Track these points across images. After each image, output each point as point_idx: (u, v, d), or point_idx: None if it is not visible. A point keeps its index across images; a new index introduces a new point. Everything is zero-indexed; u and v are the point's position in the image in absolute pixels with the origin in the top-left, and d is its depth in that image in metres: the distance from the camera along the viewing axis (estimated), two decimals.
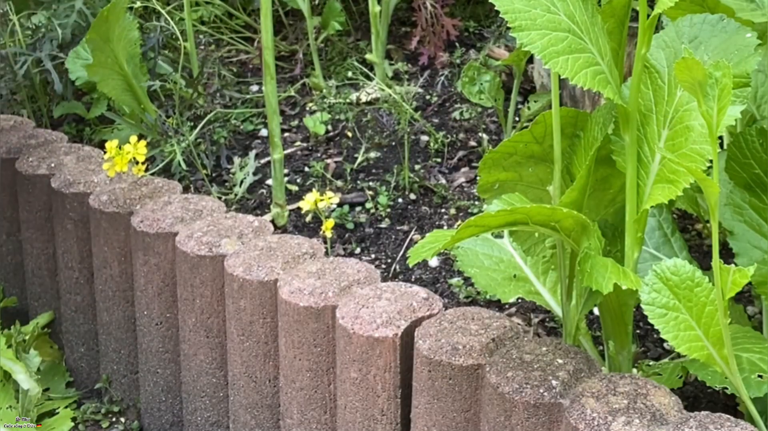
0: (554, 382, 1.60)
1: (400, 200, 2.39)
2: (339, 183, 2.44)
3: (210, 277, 1.98)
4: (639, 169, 1.64)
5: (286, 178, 2.41)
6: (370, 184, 2.43)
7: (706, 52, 1.62)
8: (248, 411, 1.99)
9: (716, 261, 1.47)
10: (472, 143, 2.56)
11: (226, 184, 2.46)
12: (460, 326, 1.73)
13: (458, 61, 2.80)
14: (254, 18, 2.96)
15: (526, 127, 1.76)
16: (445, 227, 2.31)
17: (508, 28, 1.53)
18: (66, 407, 2.25)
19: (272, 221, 2.31)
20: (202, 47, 2.92)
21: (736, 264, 1.60)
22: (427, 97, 2.71)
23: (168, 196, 2.16)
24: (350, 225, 2.32)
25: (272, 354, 1.94)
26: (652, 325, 1.56)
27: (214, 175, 2.49)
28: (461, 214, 2.34)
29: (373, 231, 2.32)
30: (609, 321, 1.72)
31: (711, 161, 1.54)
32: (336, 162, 2.52)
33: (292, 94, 2.76)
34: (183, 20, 2.69)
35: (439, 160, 2.50)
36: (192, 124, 2.51)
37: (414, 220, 2.33)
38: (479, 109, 2.64)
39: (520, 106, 2.57)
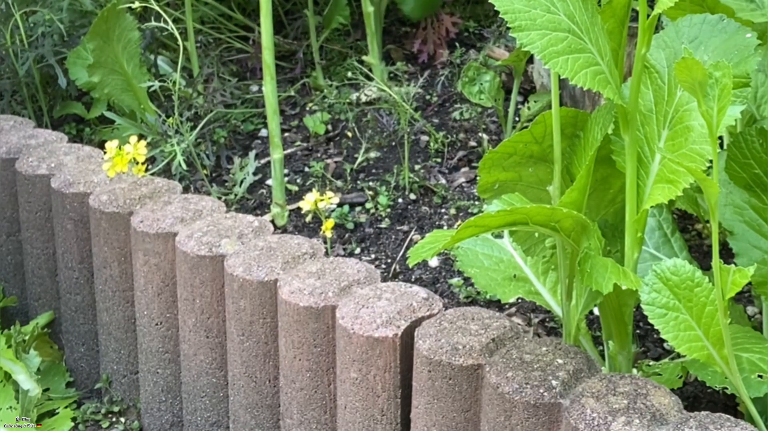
0: (554, 382, 1.60)
1: (400, 200, 2.39)
2: (339, 183, 2.44)
3: (210, 277, 1.98)
4: (639, 169, 1.64)
5: (286, 178, 2.41)
6: (370, 184, 2.43)
7: (706, 52, 1.62)
8: (248, 411, 1.99)
9: (716, 261, 1.47)
10: (472, 143, 2.56)
11: (226, 184, 2.46)
12: (460, 326, 1.73)
13: (458, 61, 2.80)
14: (253, 18, 2.95)
15: (526, 127, 1.76)
16: (445, 227, 2.31)
17: (508, 28, 1.53)
18: (66, 407, 2.25)
19: (272, 221, 2.31)
20: (201, 46, 2.92)
21: (736, 264, 1.60)
22: (427, 97, 2.71)
23: (168, 196, 2.16)
24: (350, 226, 2.32)
25: (272, 354, 1.94)
26: (652, 325, 1.56)
27: (214, 175, 2.49)
28: (461, 214, 2.34)
29: (373, 231, 2.32)
30: (609, 321, 1.72)
31: (711, 161, 1.54)
32: (336, 162, 2.52)
33: (292, 94, 2.75)
34: (182, 20, 2.69)
35: (439, 160, 2.50)
36: (192, 124, 2.51)
37: (414, 220, 2.33)
38: (479, 109, 2.63)
39: (520, 106, 2.57)
